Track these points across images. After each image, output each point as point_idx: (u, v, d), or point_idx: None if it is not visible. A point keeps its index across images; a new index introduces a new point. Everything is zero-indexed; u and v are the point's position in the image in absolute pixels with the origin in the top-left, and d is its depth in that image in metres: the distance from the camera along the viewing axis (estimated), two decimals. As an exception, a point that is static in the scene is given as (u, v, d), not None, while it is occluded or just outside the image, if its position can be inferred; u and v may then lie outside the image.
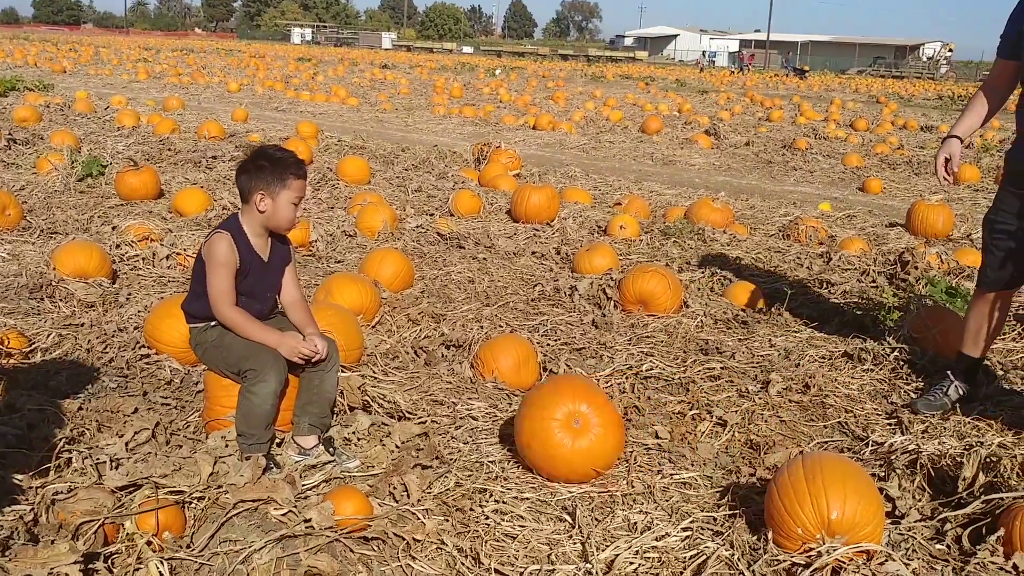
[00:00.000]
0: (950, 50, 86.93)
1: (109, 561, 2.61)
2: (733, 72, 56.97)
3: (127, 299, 5.04)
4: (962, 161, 13.37)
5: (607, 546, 2.93)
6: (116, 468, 3.11)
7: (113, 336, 4.48)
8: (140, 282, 5.42)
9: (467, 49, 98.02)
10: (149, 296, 5.08)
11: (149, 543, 2.67)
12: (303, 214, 7.36)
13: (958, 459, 3.31)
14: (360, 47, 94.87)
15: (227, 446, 3.17)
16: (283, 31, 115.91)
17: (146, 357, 4.23)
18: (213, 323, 3.32)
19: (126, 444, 3.33)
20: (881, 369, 4.69)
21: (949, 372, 4.29)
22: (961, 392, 4.19)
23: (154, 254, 5.72)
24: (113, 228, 6.30)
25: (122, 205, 7.72)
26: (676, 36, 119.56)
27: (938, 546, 2.99)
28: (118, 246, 5.87)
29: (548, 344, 4.80)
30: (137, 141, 11.32)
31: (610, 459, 3.42)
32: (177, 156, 10.28)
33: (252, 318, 3.28)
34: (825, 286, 6.15)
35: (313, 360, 3.34)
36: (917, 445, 3.50)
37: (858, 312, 5.47)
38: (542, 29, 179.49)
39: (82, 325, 4.61)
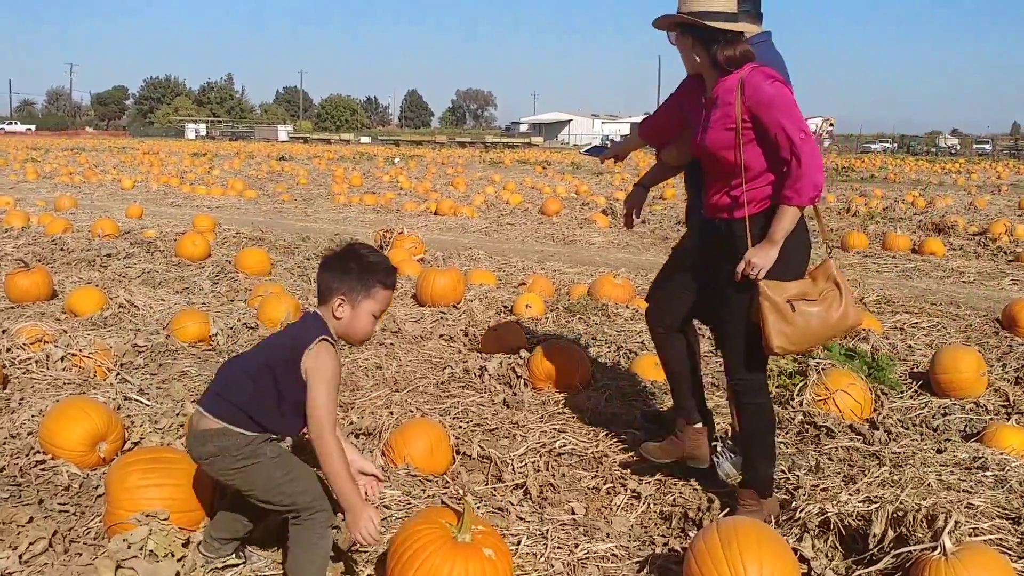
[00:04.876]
0: (831, 124, 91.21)
1: None
2: None
3: (19, 404, 4.82)
4: (849, 229, 13.95)
5: (530, 627, 2.89)
6: (10, 582, 2.96)
7: (4, 444, 4.27)
8: (34, 386, 5.21)
9: (365, 139, 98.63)
10: (44, 400, 4.87)
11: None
12: (202, 307, 7.21)
13: (867, 516, 3.38)
14: (256, 140, 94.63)
15: (129, 548, 3.04)
16: (177, 127, 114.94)
17: (41, 463, 4.04)
18: (272, 437, 3.01)
19: (20, 556, 3.16)
20: (787, 433, 4.79)
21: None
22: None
23: (48, 356, 5.51)
24: (3, 332, 6.06)
25: (12, 308, 7.44)
26: (569, 121, 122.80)
27: (854, 603, 3.04)
28: (9, 350, 5.64)
29: (460, 426, 4.77)
30: (27, 242, 10.99)
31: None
32: (70, 256, 10.00)
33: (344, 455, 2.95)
34: (728, 355, 6.27)
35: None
36: (822, 507, 3.56)
37: (761, 378, 5.59)
38: (439, 118, 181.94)
39: (-30, 434, 4.39)
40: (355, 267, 3.00)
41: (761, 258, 3.47)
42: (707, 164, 3.71)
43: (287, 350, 2.96)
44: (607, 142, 4.58)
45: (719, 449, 4.23)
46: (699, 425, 4.04)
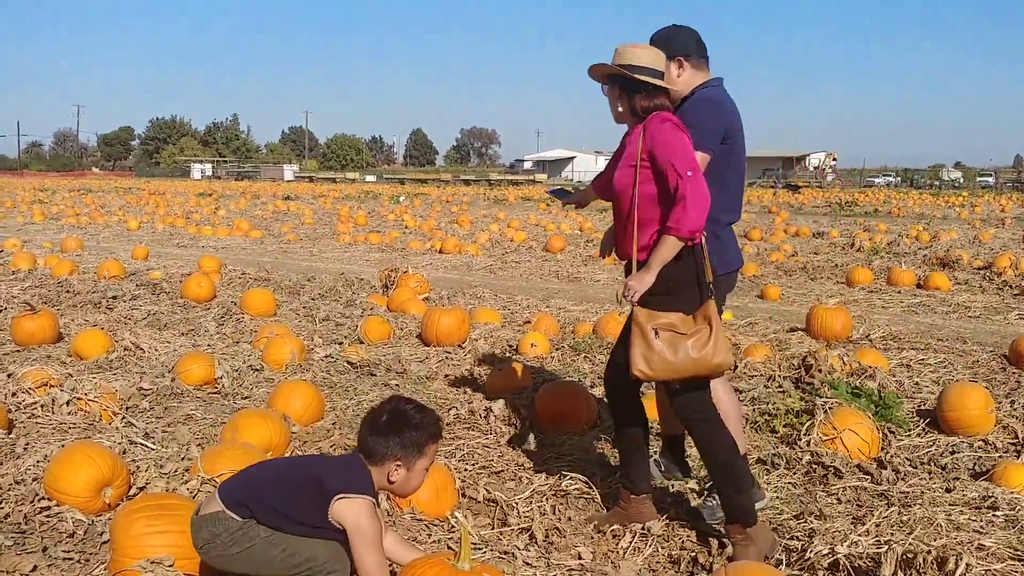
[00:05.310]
0: (834, 159, 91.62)
1: None
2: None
3: (25, 449, 4.81)
4: (853, 264, 13.95)
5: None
6: (14, 632, 2.93)
7: (9, 490, 4.25)
8: (39, 430, 5.20)
9: (370, 178, 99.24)
10: (49, 445, 4.87)
11: None
12: (208, 349, 7.22)
13: (876, 558, 3.36)
14: (262, 180, 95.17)
15: (135, 599, 3.02)
16: (183, 167, 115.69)
17: (46, 510, 4.02)
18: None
19: (25, 605, 3.15)
20: (795, 473, 4.77)
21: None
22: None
23: (53, 400, 5.51)
24: (9, 376, 6.07)
25: (18, 351, 7.46)
26: (573, 158, 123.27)
27: (865, 648, 3.00)
28: (14, 394, 5.64)
29: (466, 469, 4.75)
30: (33, 284, 11.04)
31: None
32: (76, 298, 10.03)
33: None
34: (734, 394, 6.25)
35: None
36: (832, 548, 3.53)
37: (768, 417, 5.58)
38: (443, 156, 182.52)
39: (-25, 481, 4.38)
40: (407, 430, 3.03)
41: (636, 282, 3.65)
42: (614, 206, 3.97)
43: (327, 478, 3.01)
44: (572, 188, 4.96)
45: (707, 488, 4.23)
46: (642, 496, 4.12)
